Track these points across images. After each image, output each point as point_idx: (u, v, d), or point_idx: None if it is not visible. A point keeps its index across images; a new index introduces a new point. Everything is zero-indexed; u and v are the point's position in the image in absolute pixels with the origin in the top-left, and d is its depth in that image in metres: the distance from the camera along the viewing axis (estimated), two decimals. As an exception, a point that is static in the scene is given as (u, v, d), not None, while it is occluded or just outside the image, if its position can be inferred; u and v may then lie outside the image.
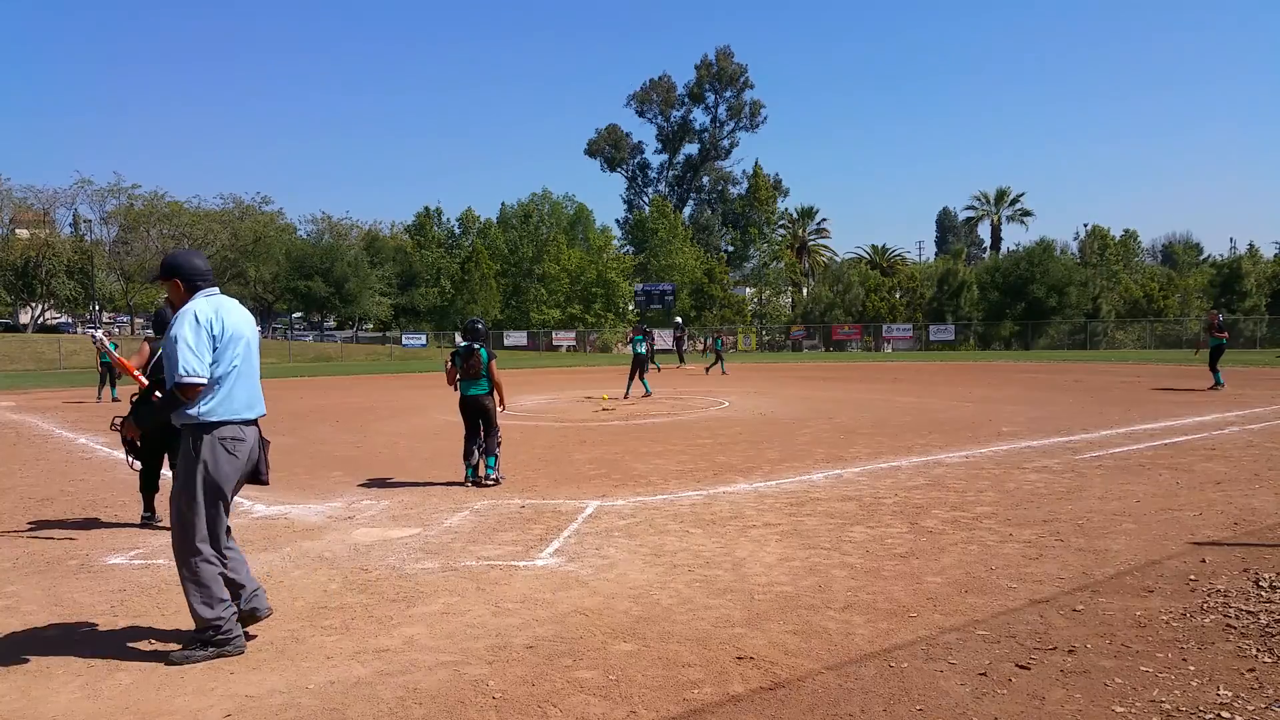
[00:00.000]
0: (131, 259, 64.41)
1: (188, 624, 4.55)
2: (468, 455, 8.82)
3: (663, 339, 56.20)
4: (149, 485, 7.12)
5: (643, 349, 19.51)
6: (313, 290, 64.69)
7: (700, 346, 51.64)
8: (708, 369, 30.17)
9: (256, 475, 4.40)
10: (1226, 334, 19.49)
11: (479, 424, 8.86)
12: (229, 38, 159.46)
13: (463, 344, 8.91)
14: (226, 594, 4.17)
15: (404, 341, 62.65)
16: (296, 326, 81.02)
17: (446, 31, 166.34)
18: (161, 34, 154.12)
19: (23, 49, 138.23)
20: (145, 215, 63.63)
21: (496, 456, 8.86)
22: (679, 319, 44.99)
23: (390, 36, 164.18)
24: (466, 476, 8.77)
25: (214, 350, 4.10)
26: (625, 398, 18.96)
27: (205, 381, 4.04)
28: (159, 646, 4.25)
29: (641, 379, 19.56)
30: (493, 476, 8.77)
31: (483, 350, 8.86)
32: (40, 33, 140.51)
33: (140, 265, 64.73)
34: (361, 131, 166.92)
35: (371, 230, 76.63)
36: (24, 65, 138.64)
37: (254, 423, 4.32)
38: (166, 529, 6.84)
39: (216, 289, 4.33)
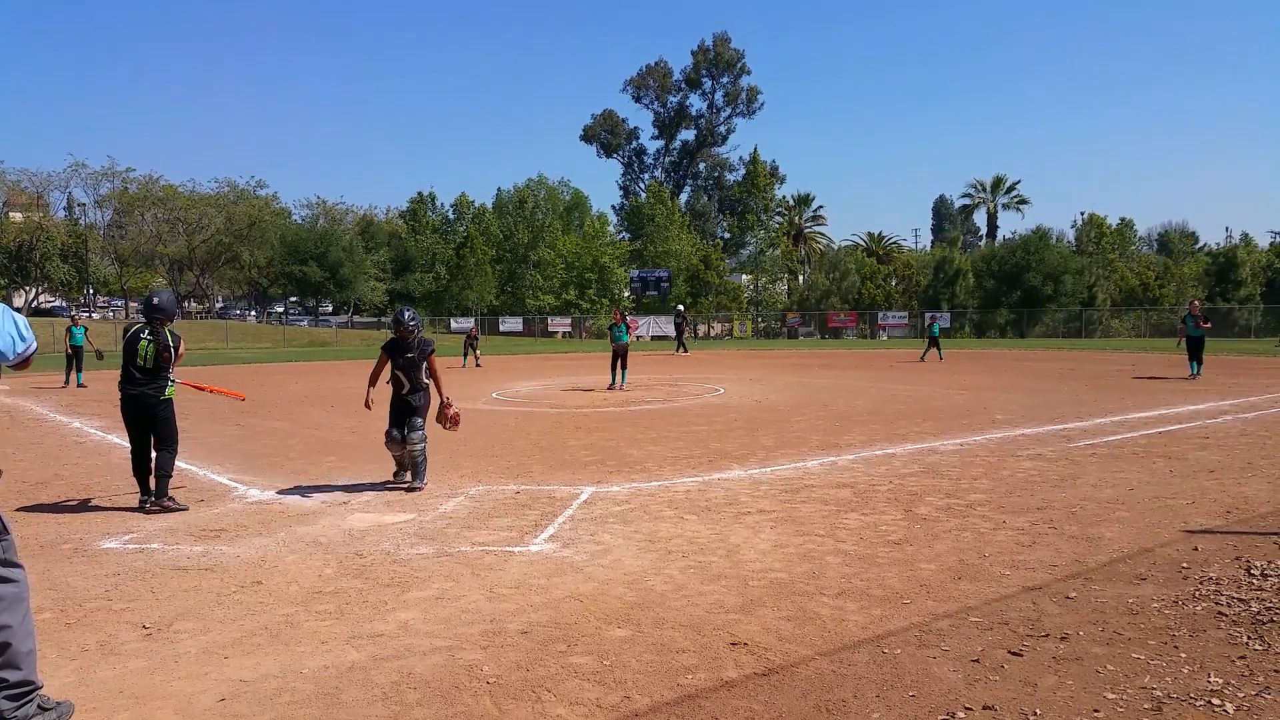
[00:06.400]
0: (126, 243, 64.24)
1: (183, 606, 4.56)
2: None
3: (660, 326, 56.40)
4: (141, 467, 7.08)
5: (625, 337, 18.36)
6: (307, 275, 64.43)
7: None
8: (923, 356, 27.76)
9: None
10: (1210, 324, 19.49)
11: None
12: (224, 21, 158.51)
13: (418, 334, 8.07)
14: None
15: (399, 327, 62.51)
16: (291, 311, 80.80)
17: (442, 16, 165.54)
18: (156, 17, 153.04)
19: (17, 31, 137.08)
20: (140, 199, 63.37)
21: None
22: (680, 306, 44.91)
23: (386, 21, 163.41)
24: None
25: None
26: (615, 387, 17.83)
27: None
28: (153, 630, 4.25)
29: (622, 369, 18.21)
30: None
31: None
32: (34, 15, 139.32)
33: (135, 249, 64.59)
34: (356, 116, 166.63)
35: (366, 215, 76.25)
36: (18, 47, 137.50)
37: None
38: (162, 511, 6.85)
39: None
